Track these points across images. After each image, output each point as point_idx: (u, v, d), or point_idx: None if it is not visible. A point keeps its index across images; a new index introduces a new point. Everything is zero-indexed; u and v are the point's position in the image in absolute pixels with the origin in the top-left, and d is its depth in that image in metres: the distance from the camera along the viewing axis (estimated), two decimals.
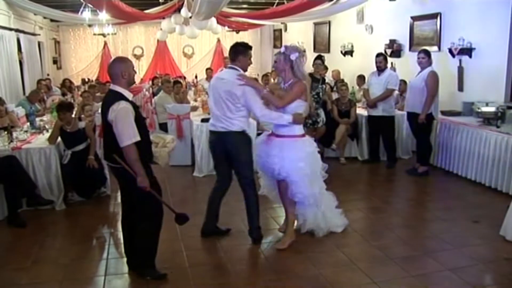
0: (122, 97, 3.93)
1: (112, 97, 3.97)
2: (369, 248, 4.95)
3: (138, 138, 3.89)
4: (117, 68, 4.00)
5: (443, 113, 7.83)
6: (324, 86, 8.55)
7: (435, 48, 8.69)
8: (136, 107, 4.06)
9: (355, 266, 4.49)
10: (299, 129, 4.89)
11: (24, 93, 10.67)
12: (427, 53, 7.35)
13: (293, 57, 4.75)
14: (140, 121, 4.04)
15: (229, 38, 18.85)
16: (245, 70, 4.88)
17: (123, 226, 4.46)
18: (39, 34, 13.54)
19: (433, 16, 8.87)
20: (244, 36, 18.81)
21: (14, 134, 6.67)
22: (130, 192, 4.20)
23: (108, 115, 3.89)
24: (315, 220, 5.19)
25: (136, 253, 4.32)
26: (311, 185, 4.90)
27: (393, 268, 4.44)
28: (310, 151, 4.94)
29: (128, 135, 3.84)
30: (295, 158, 4.75)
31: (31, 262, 4.71)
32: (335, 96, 9.25)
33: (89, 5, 10.87)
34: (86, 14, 11.96)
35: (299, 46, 4.96)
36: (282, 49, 4.82)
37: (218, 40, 18.32)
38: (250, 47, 4.98)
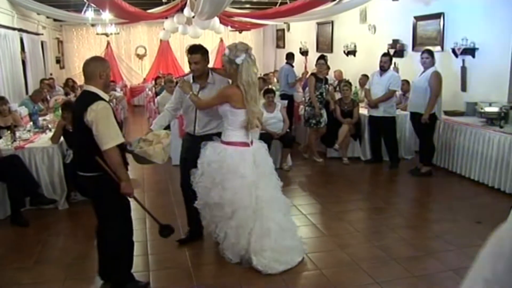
0: (98, 97, 3.65)
1: (88, 98, 3.69)
2: (372, 248, 4.95)
3: (122, 140, 3.72)
4: (95, 67, 3.74)
5: (446, 113, 7.81)
6: (327, 86, 8.58)
7: (438, 48, 8.68)
8: (114, 111, 3.85)
9: (357, 266, 4.49)
10: (234, 136, 4.51)
11: (27, 93, 10.69)
12: (431, 53, 7.33)
13: (239, 60, 4.32)
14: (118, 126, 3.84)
15: (231, 38, 18.82)
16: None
17: (97, 238, 4.15)
18: (42, 34, 13.54)
19: (437, 16, 8.85)
20: (247, 36, 18.82)
21: (17, 134, 6.69)
22: (103, 202, 3.88)
23: (85, 116, 3.57)
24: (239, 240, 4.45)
25: (110, 267, 4.10)
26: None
27: (395, 269, 4.43)
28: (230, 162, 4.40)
29: (111, 136, 3.59)
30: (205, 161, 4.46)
31: (33, 261, 4.72)
32: (338, 96, 9.25)
33: (92, 4, 10.88)
34: (89, 14, 11.97)
35: (244, 44, 4.50)
36: (226, 52, 4.41)
37: (221, 40, 18.32)
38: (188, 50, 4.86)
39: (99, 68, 3.74)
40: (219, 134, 4.64)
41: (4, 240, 5.53)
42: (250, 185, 4.39)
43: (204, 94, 4.67)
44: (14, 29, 10.60)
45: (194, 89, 4.67)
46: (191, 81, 4.77)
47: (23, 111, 8.69)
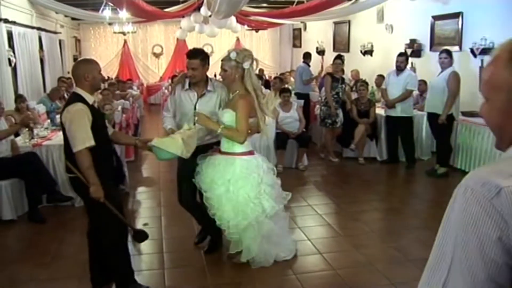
0: (80, 100, 3.63)
1: (70, 99, 3.75)
2: (388, 249, 4.92)
3: (92, 143, 3.57)
4: (80, 69, 3.73)
5: (464, 113, 7.73)
6: (343, 86, 8.55)
7: (456, 48, 8.59)
8: (98, 114, 3.80)
9: (373, 267, 4.47)
10: (247, 146, 4.35)
11: (44, 91, 10.79)
12: (449, 53, 7.27)
13: (246, 65, 4.15)
14: (100, 130, 3.72)
15: (248, 37, 18.88)
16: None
17: (88, 241, 4.09)
18: (60, 32, 13.67)
19: (455, 15, 8.76)
20: (263, 35, 18.83)
21: (35, 131, 6.76)
22: (87, 203, 3.84)
23: (61, 117, 3.65)
24: (259, 250, 4.40)
25: (107, 271, 4.06)
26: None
27: (411, 270, 4.39)
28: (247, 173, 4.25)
29: (81, 139, 3.53)
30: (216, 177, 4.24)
31: (50, 258, 4.76)
32: (354, 96, 9.21)
33: (109, 3, 10.95)
34: (107, 13, 12.05)
35: (249, 50, 4.43)
36: (233, 55, 4.17)
37: (238, 39, 18.34)
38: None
39: (85, 70, 3.70)
40: (216, 143, 4.49)
41: (21, 236, 5.60)
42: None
43: (203, 103, 4.39)
44: (33, 28, 10.71)
45: (191, 97, 4.43)
46: (186, 87, 4.46)
47: (41, 108, 8.78)
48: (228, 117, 4.18)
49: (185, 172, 4.46)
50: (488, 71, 1.22)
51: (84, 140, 3.53)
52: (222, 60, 4.26)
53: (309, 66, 11.22)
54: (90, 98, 3.70)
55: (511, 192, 1.01)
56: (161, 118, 4.66)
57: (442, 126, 7.25)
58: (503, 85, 1.17)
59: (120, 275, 3.99)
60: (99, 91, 9.54)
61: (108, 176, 3.82)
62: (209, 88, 4.44)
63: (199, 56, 4.36)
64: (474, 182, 1.11)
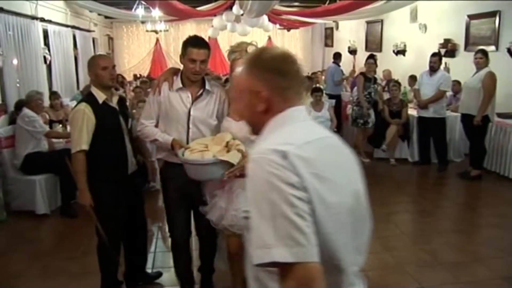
0: (89, 98, 3.60)
1: (83, 98, 3.76)
2: (418, 251, 4.86)
3: (83, 147, 3.46)
4: (87, 67, 3.69)
5: (500, 115, 7.57)
6: (376, 85, 8.49)
7: (493, 47, 8.41)
8: (109, 113, 3.62)
9: (403, 270, 4.43)
10: None
11: (78, 88, 10.97)
12: (485, 53, 7.13)
13: None
14: (109, 130, 3.57)
15: (280, 36, 18.84)
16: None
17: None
18: (94, 31, 13.87)
19: (492, 14, 8.57)
20: (295, 34, 18.77)
21: (68, 128, 6.88)
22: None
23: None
24: None
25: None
26: None
27: (442, 274, 4.34)
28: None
29: (74, 142, 3.49)
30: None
31: (81, 252, 4.84)
32: (386, 96, 9.12)
33: (142, 2, 11.07)
34: (140, 11, 12.18)
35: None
36: (252, 49, 3.29)
37: (269, 38, 18.32)
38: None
39: (88, 68, 3.68)
40: None
41: (54, 230, 5.72)
42: None
43: (199, 108, 3.47)
44: (67, 26, 10.90)
45: (183, 99, 3.45)
46: (179, 85, 3.45)
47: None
48: None
49: (189, 192, 3.54)
50: (236, 78, 1.72)
51: (76, 143, 3.48)
52: (236, 59, 3.32)
53: (339, 66, 11.19)
54: (101, 96, 3.59)
55: (292, 153, 1.42)
56: (138, 129, 3.63)
57: (476, 128, 7.12)
58: (245, 88, 1.63)
59: (102, 279, 3.91)
60: (130, 88, 9.61)
61: (114, 179, 3.65)
62: (207, 87, 3.49)
63: (208, 45, 3.46)
64: (265, 153, 1.45)
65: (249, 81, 1.62)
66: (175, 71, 3.60)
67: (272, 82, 1.59)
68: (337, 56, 11.49)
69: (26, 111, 6.02)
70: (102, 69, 3.57)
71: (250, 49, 3.19)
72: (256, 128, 1.69)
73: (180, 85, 3.44)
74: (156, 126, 3.53)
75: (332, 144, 1.66)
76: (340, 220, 1.54)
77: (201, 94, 3.46)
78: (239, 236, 3.18)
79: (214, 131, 3.47)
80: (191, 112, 3.44)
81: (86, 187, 3.54)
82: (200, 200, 3.47)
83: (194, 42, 3.37)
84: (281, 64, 1.62)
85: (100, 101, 3.59)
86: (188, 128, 3.45)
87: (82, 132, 3.46)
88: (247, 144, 3.15)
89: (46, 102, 7.90)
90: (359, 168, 1.82)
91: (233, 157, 3.09)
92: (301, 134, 1.56)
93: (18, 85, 7.58)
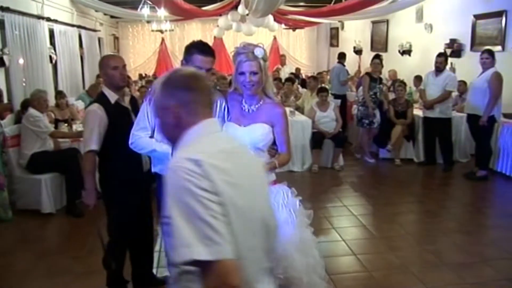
0: (101, 99, 3.60)
1: (95, 99, 3.76)
2: (423, 252, 4.84)
3: (93, 148, 3.46)
4: (98, 67, 3.68)
5: (506, 115, 7.55)
6: (381, 86, 8.47)
7: (499, 48, 8.38)
8: (122, 113, 3.61)
9: (407, 270, 4.41)
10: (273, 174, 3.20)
11: (84, 87, 10.99)
12: (491, 53, 7.10)
13: (263, 63, 3.08)
14: (122, 130, 3.41)
15: (285, 36, 18.83)
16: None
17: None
18: (99, 30, 13.91)
19: (498, 14, 8.54)
20: (300, 34, 18.76)
21: (74, 127, 6.91)
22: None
23: None
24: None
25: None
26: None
27: (447, 274, 4.32)
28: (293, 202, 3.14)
29: (85, 141, 3.53)
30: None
31: (86, 251, 4.85)
32: (391, 96, 9.10)
33: (148, 2, 11.10)
34: (145, 11, 12.21)
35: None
36: (260, 52, 3.03)
37: (275, 38, 18.32)
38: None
39: (99, 68, 3.69)
40: None
41: (59, 229, 5.73)
42: None
43: None
44: (73, 26, 10.93)
45: None
46: None
47: (80, 105, 8.95)
48: (260, 131, 3.09)
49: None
50: (155, 99, 1.83)
51: (86, 143, 3.50)
52: (242, 62, 3.07)
53: (344, 66, 11.19)
54: (113, 96, 3.59)
55: (205, 161, 1.56)
56: (130, 142, 3.30)
57: (482, 128, 7.10)
58: (159, 106, 1.80)
59: (108, 275, 3.92)
60: (135, 88, 9.62)
61: (129, 179, 3.63)
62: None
63: (214, 54, 3.26)
64: (180, 162, 1.59)
65: (161, 99, 1.79)
66: None
67: (180, 97, 1.75)
68: (342, 56, 11.50)
69: (31, 111, 6.03)
70: (112, 68, 3.57)
71: (257, 51, 3.00)
72: (173, 142, 1.82)
73: None
74: (151, 137, 3.28)
75: (242, 153, 1.87)
76: (251, 223, 1.70)
77: None
78: None
79: None
80: None
81: (93, 188, 3.57)
82: None
83: (201, 48, 3.15)
84: (188, 81, 1.78)
85: (112, 101, 3.58)
86: None
87: (93, 133, 3.46)
88: (256, 152, 2.99)
89: (52, 101, 7.94)
90: (265, 176, 2.01)
91: None
92: (214, 144, 1.72)
93: (24, 84, 7.62)
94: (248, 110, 3.14)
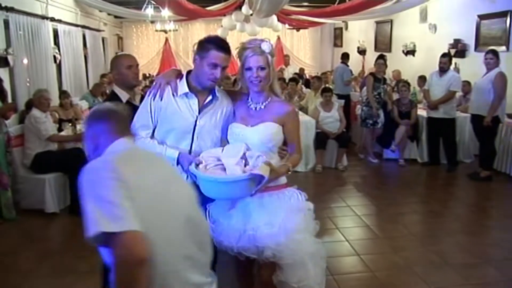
0: (113, 97, 3.53)
1: (107, 97, 3.72)
2: (426, 252, 4.83)
3: None
4: (111, 65, 3.65)
5: (510, 116, 7.53)
6: (385, 86, 8.47)
7: (503, 48, 8.36)
8: (133, 112, 3.18)
9: (411, 270, 4.40)
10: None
11: (88, 87, 11.02)
12: (496, 54, 7.09)
13: (271, 59, 2.94)
14: None
15: (289, 36, 18.83)
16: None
17: None
18: (103, 30, 13.94)
19: (502, 14, 8.52)
20: (304, 34, 18.76)
21: (78, 127, 6.91)
22: None
23: None
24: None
25: None
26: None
27: (450, 275, 4.31)
28: (306, 206, 2.96)
29: None
30: (291, 226, 2.81)
31: (90, 250, 4.80)
32: (395, 96, 9.09)
33: (152, 2, 11.11)
34: (149, 11, 12.23)
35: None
36: (267, 46, 2.92)
37: (278, 38, 18.31)
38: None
39: (113, 66, 3.68)
40: None
41: (63, 229, 5.74)
42: None
43: (207, 117, 3.02)
44: (77, 26, 10.96)
45: (190, 106, 2.99)
46: (185, 89, 2.98)
47: (84, 104, 8.98)
48: (269, 130, 2.93)
49: None
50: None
51: None
52: (248, 57, 2.92)
53: (347, 66, 11.18)
54: (124, 95, 3.56)
55: (116, 160, 1.90)
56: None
57: (486, 129, 7.08)
58: (87, 134, 2.23)
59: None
60: (139, 87, 9.63)
61: None
62: (217, 93, 3.05)
63: (230, 51, 2.97)
64: (96, 161, 1.97)
65: (86, 128, 2.23)
66: (178, 73, 3.14)
67: (98, 127, 2.14)
68: (345, 56, 11.50)
69: (34, 111, 6.04)
70: (126, 68, 3.58)
71: (264, 46, 2.88)
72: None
73: (186, 90, 2.97)
74: (151, 137, 3.05)
75: (153, 159, 2.24)
76: (166, 211, 1.97)
77: (209, 102, 3.01)
78: (272, 266, 2.84)
79: (217, 145, 3.04)
80: (198, 122, 2.99)
81: None
82: None
83: (219, 44, 2.89)
84: (106, 114, 2.17)
85: (124, 100, 3.53)
86: (193, 140, 3.01)
87: None
88: (266, 153, 2.84)
89: (56, 101, 7.96)
90: (182, 177, 2.35)
91: (265, 171, 2.64)
92: (124, 151, 2.07)
93: (28, 84, 7.63)
94: (255, 108, 2.99)
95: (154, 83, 3.07)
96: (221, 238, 2.86)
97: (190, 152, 2.99)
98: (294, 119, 3.04)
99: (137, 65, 3.70)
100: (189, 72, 3.07)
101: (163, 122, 3.01)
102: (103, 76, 11.29)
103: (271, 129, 2.93)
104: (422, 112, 8.53)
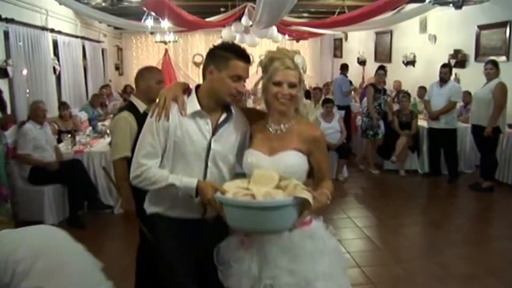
0: (131, 107, 3.46)
1: (123, 107, 3.66)
2: (428, 264, 4.79)
3: (128, 154, 3.19)
4: (138, 76, 3.59)
5: (511, 126, 7.51)
6: (385, 97, 8.46)
7: (503, 58, 8.35)
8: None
9: (413, 282, 4.38)
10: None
11: (87, 98, 11.01)
12: (495, 64, 7.08)
13: (303, 74, 2.55)
14: None
15: (289, 47, 18.73)
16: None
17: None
18: (103, 41, 13.97)
19: (502, 24, 8.53)
20: (304, 45, 18.78)
21: (77, 138, 6.90)
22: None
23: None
24: None
25: None
26: None
27: (453, 286, 4.29)
28: (333, 246, 2.49)
29: (117, 148, 3.35)
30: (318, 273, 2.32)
31: None
32: (396, 107, 9.08)
33: (152, 13, 11.11)
34: (149, 22, 12.21)
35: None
36: (300, 59, 2.53)
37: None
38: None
39: (141, 78, 3.58)
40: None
41: None
42: None
43: (222, 139, 2.53)
44: (77, 37, 10.97)
45: (202, 127, 2.48)
46: (197, 107, 2.48)
47: (83, 116, 8.97)
48: (293, 160, 2.44)
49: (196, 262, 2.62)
50: None
51: (119, 149, 3.32)
52: (277, 70, 2.46)
53: (346, 77, 11.19)
54: (142, 106, 3.46)
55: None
56: (134, 175, 2.49)
57: (487, 139, 7.05)
58: None
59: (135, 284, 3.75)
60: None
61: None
62: (233, 110, 2.58)
63: None
64: None
65: None
66: (185, 88, 2.63)
67: None
68: (344, 67, 11.51)
69: (27, 124, 6.00)
70: (157, 82, 3.52)
71: (298, 59, 2.49)
72: None
73: (198, 108, 2.48)
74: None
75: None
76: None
77: (224, 120, 2.53)
78: None
79: (232, 172, 2.60)
80: (212, 145, 2.50)
81: (131, 194, 3.30)
82: (213, 266, 2.46)
83: (240, 52, 2.51)
84: None
85: (141, 111, 3.44)
86: (206, 167, 2.51)
87: (125, 139, 3.30)
88: None
89: (55, 112, 7.94)
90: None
91: (310, 198, 2.19)
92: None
93: (27, 95, 7.61)
94: (276, 131, 2.49)
95: (157, 100, 2.52)
96: (230, 284, 2.42)
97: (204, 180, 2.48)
98: (322, 147, 2.57)
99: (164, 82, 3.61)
100: (197, 86, 2.59)
101: (173, 147, 2.48)
102: (102, 87, 11.30)
103: (294, 159, 2.43)
104: (422, 122, 8.51)
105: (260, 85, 2.55)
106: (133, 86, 10.86)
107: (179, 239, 2.55)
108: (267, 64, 2.51)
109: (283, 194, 2.22)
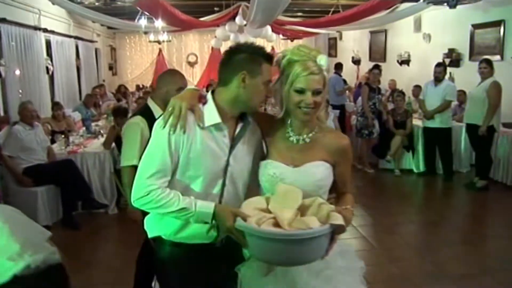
0: (145, 111, 3.30)
1: (138, 110, 3.55)
2: (424, 263, 4.79)
3: (135, 163, 3.00)
4: (160, 80, 3.43)
5: (505, 125, 7.51)
6: (380, 96, 8.45)
7: (498, 57, 8.37)
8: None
9: (408, 282, 4.37)
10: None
11: (80, 98, 10.97)
12: (489, 63, 7.08)
13: (327, 76, 2.25)
14: None
15: (283, 46, 18.82)
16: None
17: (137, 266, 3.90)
18: (97, 41, 13.94)
19: (496, 23, 8.55)
20: (298, 44, 18.80)
21: (71, 138, 6.87)
22: None
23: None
24: None
25: None
26: None
27: (448, 286, 4.28)
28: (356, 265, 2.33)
29: (125, 155, 3.23)
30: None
31: (84, 264, 4.78)
32: (390, 106, 9.07)
33: (145, 13, 11.08)
34: (143, 22, 12.18)
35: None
36: (323, 60, 2.18)
37: (272, 48, 18.30)
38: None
39: (163, 82, 3.36)
40: None
41: (56, 242, 5.59)
42: None
43: (241, 152, 2.24)
44: (70, 36, 10.92)
45: (219, 140, 2.16)
46: (218, 119, 2.15)
47: (77, 116, 8.92)
48: (320, 173, 2.19)
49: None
50: None
51: (127, 157, 3.19)
52: (299, 75, 2.13)
53: (340, 76, 11.18)
54: (158, 111, 3.20)
55: None
56: (138, 196, 2.10)
57: (482, 138, 7.05)
58: None
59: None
60: (133, 98, 9.58)
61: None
62: (250, 118, 2.28)
63: None
64: None
65: None
66: (199, 95, 2.27)
67: None
68: (339, 67, 11.49)
69: (16, 126, 5.94)
70: (178, 89, 3.18)
71: (322, 60, 2.17)
72: None
73: (218, 120, 2.15)
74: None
75: None
76: None
77: (240, 132, 2.24)
78: None
79: (245, 189, 2.31)
80: (230, 161, 2.21)
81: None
82: None
83: (268, 55, 2.25)
84: None
85: (156, 116, 3.04)
86: (224, 185, 2.21)
87: (134, 146, 3.14)
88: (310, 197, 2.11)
89: (49, 112, 7.90)
90: None
91: (341, 221, 2.02)
92: None
93: (20, 95, 7.56)
94: (297, 141, 2.23)
95: (168, 109, 2.15)
96: None
97: (220, 202, 2.18)
98: (349, 157, 2.33)
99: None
100: (213, 92, 2.26)
101: (187, 164, 2.13)
102: (95, 87, 11.26)
103: (321, 171, 2.19)
104: (417, 121, 8.51)
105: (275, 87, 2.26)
106: (127, 86, 10.85)
107: (186, 266, 2.28)
108: (286, 67, 2.20)
109: (316, 220, 1.96)
